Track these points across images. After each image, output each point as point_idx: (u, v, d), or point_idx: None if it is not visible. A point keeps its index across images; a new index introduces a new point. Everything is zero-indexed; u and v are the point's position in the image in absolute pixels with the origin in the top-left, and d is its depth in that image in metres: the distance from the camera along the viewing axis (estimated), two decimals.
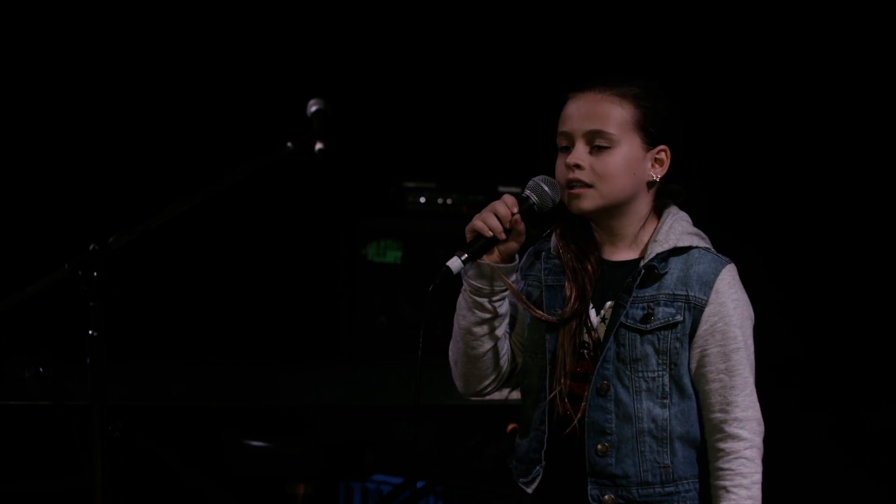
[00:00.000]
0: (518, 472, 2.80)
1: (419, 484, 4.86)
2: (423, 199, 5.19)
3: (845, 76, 4.68)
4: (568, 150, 2.72)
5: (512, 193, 2.73)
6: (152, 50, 5.31)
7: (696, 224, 2.78)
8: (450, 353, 2.82)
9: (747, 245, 4.74)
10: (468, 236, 2.69)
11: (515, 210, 2.68)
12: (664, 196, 2.78)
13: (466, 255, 2.67)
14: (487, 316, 2.74)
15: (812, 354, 4.79)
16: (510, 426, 4.23)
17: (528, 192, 2.72)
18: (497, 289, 2.72)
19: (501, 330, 2.78)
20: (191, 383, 4.11)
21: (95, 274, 2.55)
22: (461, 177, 5.21)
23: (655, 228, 2.74)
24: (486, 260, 2.70)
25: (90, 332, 2.57)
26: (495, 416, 4.28)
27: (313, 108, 2.62)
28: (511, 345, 2.83)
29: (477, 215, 2.69)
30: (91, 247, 2.57)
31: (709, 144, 4.75)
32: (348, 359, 5.30)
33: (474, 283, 2.72)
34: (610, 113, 2.70)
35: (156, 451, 4.36)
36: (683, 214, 2.77)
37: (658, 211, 2.77)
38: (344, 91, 5.02)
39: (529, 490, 2.76)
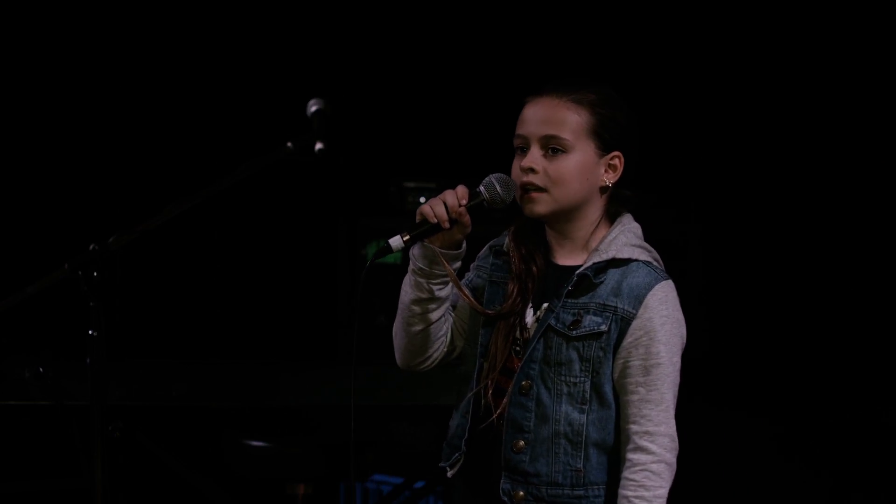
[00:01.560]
0: (444, 454, 2.87)
1: (419, 484, 4.86)
2: (423, 199, 5.18)
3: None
4: (524, 151, 2.77)
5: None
6: (152, 50, 5.31)
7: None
8: (393, 327, 2.92)
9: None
10: (417, 218, 2.76)
11: (464, 202, 2.74)
12: (617, 202, 2.81)
13: (409, 237, 2.74)
14: (425, 296, 2.82)
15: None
16: None
17: (482, 187, 2.77)
18: (436, 272, 2.79)
19: (438, 313, 2.85)
20: (191, 383, 4.11)
21: (95, 274, 2.56)
22: (461, 177, 5.20)
23: (603, 237, 2.78)
24: (434, 244, 2.77)
25: (90, 332, 2.57)
26: None
27: (313, 108, 2.62)
28: (452, 329, 2.89)
29: (429, 200, 2.75)
30: (91, 247, 2.57)
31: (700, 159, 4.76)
32: (348, 359, 5.29)
33: (417, 263, 2.81)
34: (565, 118, 2.74)
35: (156, 451, 4.36)
36: (634, 226, 2.81)
37: (611, 217, 2.81)
38: (344, 91, 5.02)
39: (449, 474, 2.84)
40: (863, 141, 4.71)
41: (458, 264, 2.82)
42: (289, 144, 2.60)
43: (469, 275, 2.89)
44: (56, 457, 4.66)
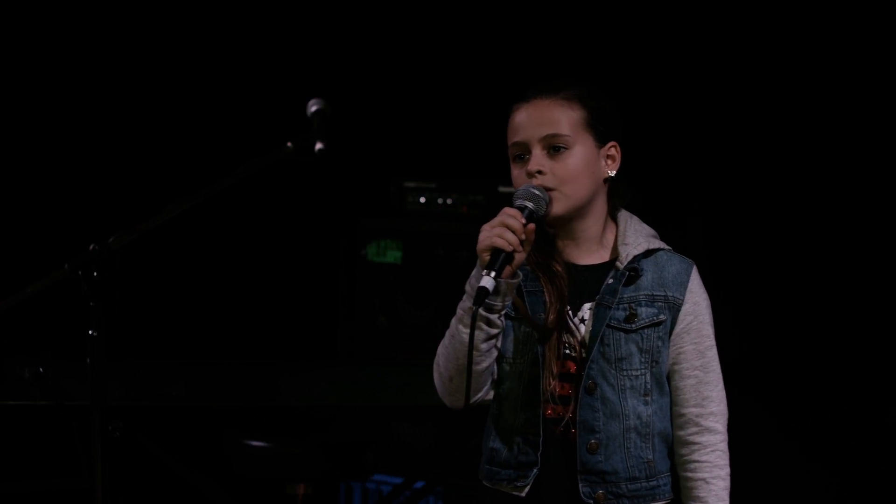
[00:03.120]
0: (502, 477, 2.81)
1: (419, 484, 4.86)
2: (423, 199, 5.19)
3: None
4: (522, 158, 2.77)
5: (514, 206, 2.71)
6: (152, 50, 5.31)
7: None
8: (441, 370, 2.80)
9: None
10: (484, 256, 2.67)
11: (524, 221, 2.69)
12: (614, 196, 2.84)
13: (494, 273, 2.65)
14: (496, 331, 2.75)
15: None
16: None
17: (521, 201, 2.72)
18: (505, 304, 2.73)
19: (499, 343, 2.79)
20: (191, 383, 4.11)
21: (95, 274, 2.56)
22: (461, 177, 5.21)
23: (618, 231, 2.82)
24: (504, 276, 2.71)
25: (90, 332, 2.57)
26: None
27: (313, 108, 2.62)
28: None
29: (485, 234, 2.67)
30: (91, 247, 2.57)
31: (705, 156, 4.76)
32: (348, 359, 5.30)
33: (489, 301, 2.71)
34: (561, 116, 2.76)
35: (156, 451, 4.36)
36: (636, 217, 2.86)
37: (612, 213, 2.84)
38: (344, 91, 5.01)
39: (523, 494, 2.78)
40: (863, 140, 4.71)
41: (515, 290, 2.76)
42: (289, 144, 2.61)
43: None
44: (56, 457, 4.66)
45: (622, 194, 2.85)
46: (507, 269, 2.69)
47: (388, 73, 5.42)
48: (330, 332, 5.50)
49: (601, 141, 2.79)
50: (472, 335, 2.66)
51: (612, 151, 2.80)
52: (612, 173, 2.80)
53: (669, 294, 2.77)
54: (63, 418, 4.05)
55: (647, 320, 2.75)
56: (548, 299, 2.77)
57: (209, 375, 4.14)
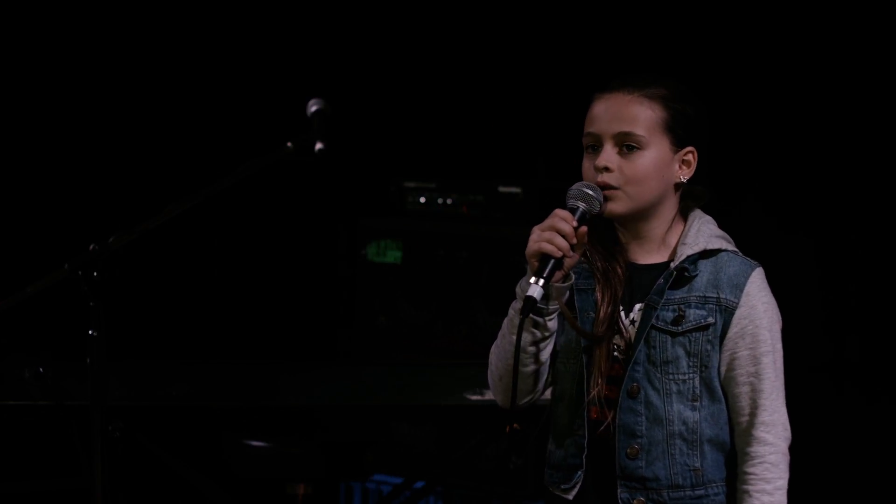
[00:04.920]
0: (555, 479, 2.78)
1: (419, 484, 4.86)
2: (423, 199, 5.18)
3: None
4: (594, 150, 2.70)
5: (565, 208, 2.67)
6: (152, 50, 5.31)
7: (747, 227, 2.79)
8: (492, 368, 2.79)
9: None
10: (532, 262, 2.63)
11: (575, 224, 2.64)
12: (688, 198, 2.77)
13: (543, 280, 2.62)
14: (547, 334, 2.72)
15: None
16: (509, 426, 4.23)
17: (573, 202, 2.67)
18: (553, 308, 2.69)
19: (551, 346, 2.75)
20: (191, 383, 4.11)
21: (95, 274, 2.56)
22: (461, 177, 5.21)
23: (683, 231, 2.74)
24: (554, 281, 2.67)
25: (90, 332, 2.57)
26: (495, 416, 4.27)
27: (313, 108, 2.62)
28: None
29: (535, 238, 2.63)
30: (91, 247, 2.57)
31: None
32: (348, 359, 5.30)
33: (539, 305, 2.67)
34: (639, 114, 2.68)
35: (156, 451, 4.36)
36: (709, 218, 2.77)
37: (684, 213, 2.76)
38: (344, 91, 5.01)
39: (570, 496, 2.74)
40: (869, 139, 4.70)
41: (567, 294, 2.73)
42: (289, 144, 2.60)
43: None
44: (56, 457, 4.66)
45: (698, 196, 2.77)
46: (558, 274, 2.65)
47: (388, 73, 5.42)
48: (330, 331, 5.50)
49: (678, 145, 2.70)
50: (517, 342, 2.63)
51: (689, 157, 2.71)
52: (685, 179, 2.71)
53: (722, 296, 2.67)
54: (63, 418, 4.04)
55: (693, 323, 2.67)
56: (599, 298, 2.73)
57: (209, 375, 4.14)
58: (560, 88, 4.94)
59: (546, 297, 2.65)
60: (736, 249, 2.73)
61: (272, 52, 5.40)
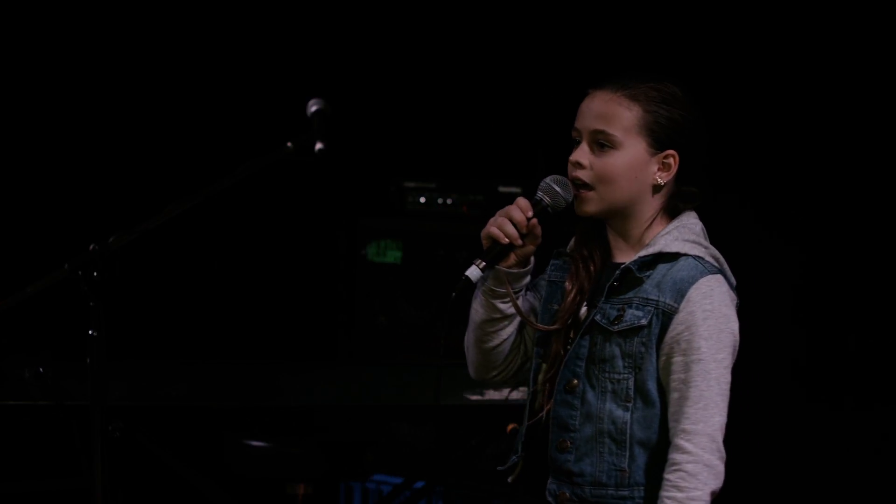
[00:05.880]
0: (509, 460, 2.83)
1: (419, 484, 4.86)
2: (423, 199, 5.19)
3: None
4: (577, 143, 2.73)
5: (524, 196, 2.73)
6: (152, 50, 5.31)
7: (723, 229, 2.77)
8: (465, 339, 2.85)
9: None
10: (484, 242, 2.70)
11: (530, 214, 2.69)
12: (679, 199, 2.75)
13: (485, 263, 2.68)
14: (497, 315, 2.77)
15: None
16: (510, 426, 4.23)
17: (540, 194, 2.73)
18: (502, 291, 2.74)
19: (511, 328, 2.80)
20: (191, 383, 4.11)
21: (95, 274, 2.56)
22: (461, 177, 5.21)
23: (658, 233, 2.73)
24: (502, 265, 2.72)
25: (90, 332, 2.57)
26: (495, 416, 4.28)
27: (313, 108, 2.62)
28: (526, 336, 2.84)
29: (491, 221, 2.70)
30: (91, 247, 2.57)
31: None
32: (348, 359, 5.30)
33: (487, 284, 2.74)
34: (616, 114, 2.68)
35: (156, 451, 4.36)
36: (693, 223, 2.74)
37: (672, 214, 2.75)
38: (344, 91, 5.01)
39: (508, 479, 2.79)
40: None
41: (527, 279, 2.78)
42: (289, 144, 2.60)
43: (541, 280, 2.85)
44: (56, 457, 4.66)
45: (690, 197, 2.75)
46: (512, 259, 2.71)
47: (388, 73, 5.42)
48: (330, 331, 5.50)
49: (657, 147, 2.69)
50: (446, 318, 2.66)
51: (669, 160, 2.70)
52: (662, 182, 2.70)
53: (662, 300, 2.65)
54: (63, 418, 4.04)
55: (628, 323, 2.65)
56: (566, 290, 2.75)
57: (209, 375, 4.14)
58: (560, 88, 4.94)
59: (499, 281, 2.72)
60: (702, 255, 2.69)
61: (272, 52, 5.40)
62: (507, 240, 2.68)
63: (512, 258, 2.72)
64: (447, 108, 5.36)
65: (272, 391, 4.18)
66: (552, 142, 2.78)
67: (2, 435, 4.77)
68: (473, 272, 2.67)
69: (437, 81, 5.38)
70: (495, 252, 2.69)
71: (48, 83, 5.20)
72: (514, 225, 2.68)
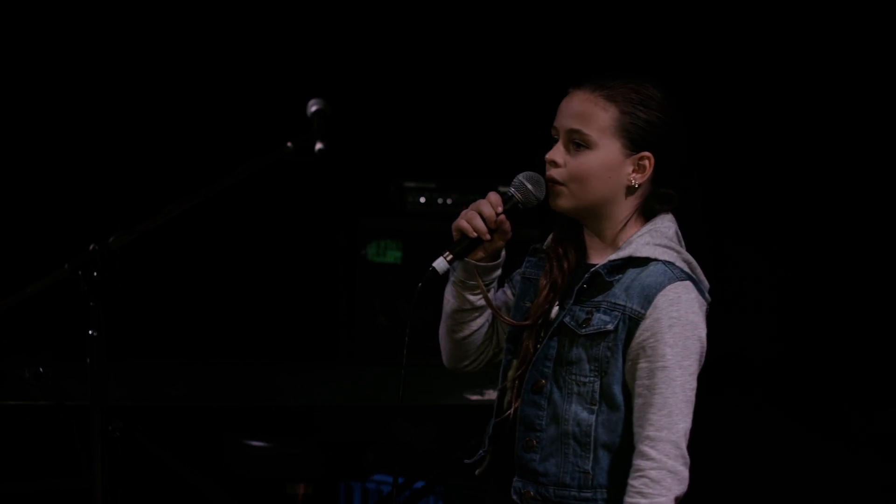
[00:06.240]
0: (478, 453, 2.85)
1: (419, 484, 4.87)
2: (423, 199, 5.19)
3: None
4: (555, 142, 2.75)
5: (497, 191, 2.76)
6: (152, 50, 5.31)
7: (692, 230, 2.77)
8: (439, 329, 2.89)
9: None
10: (454, 235, 2.74)
11: (500, 210, 2.73)
12: (655, 200, 2.74)
13: (452, 256, 2.73)
14: (467, 307, 2.80)
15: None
16: None
17: (512, 189, 2.76)
18: (472, 283, 2.77)
19: (481, 320, 2.82)
20: (191, 383, 4.11)
21: (95, 274, 2.56)
22: (461, 177, 5.21)
23: (630, 236, 2.73)
24: (472, 258, 2.75)
25: (90, 332, 2.57)
26: None
27: (313, 108, 2.62)
28: (498, 328, 2.86)
29: (462, 214, 2.74)
30: (91, 247, 2.57)
31: (709, 148, 4.75)
32: (348, 359, 5.30)
33: (459, 276, 2.78)
34: (592, 114, 2.69)
35: (156, 451, 4.36)
36: (667, 226, 2.73)
37: (649, 215, 2.74)
38: (344, 91, 5.01)
39: (476, 472, 2.82)
40: (871, 138, 4.71)
41: (498, 272, 2.80)
42: (289, 144, 2.60)
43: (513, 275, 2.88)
44: (56, 457, 4.66)
45: (665, 200, 2.74)
46: (480, 252, 2.74)
47: (388, 73, 5.42)
48: (330, 332, 5.50)
49: (632, 149, 2.69)
50: (411, 307, 2.70)
51: (644, 162, 2.69)
52: (636, 183, 2.69)
53: (629, 306, 2.64)
54: (63, 418, 4.05)
55: (595, 327, 2.66)
56: (539, 287, 2.77)
57: (209, 375, 4.14)
58: (560, 88, 4.94)
59: (469, 273, 2.76)
60: (672, 261, 2.68)
61: (272, 52, 5.40)
62: (475, 234, 2.72)
63: (481, 251, 2.75)
64: (447, 108, 5.37)
65: (272, 391, 4.19)
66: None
67: (2, 435, 4.77)
68: (440, 264, 2.72)
69: (437, 82, 5.38)
70: (464, 245, 2.73)
71: (48, 83, 5.20)
72: (484, 220, 2.71)
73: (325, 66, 5.40)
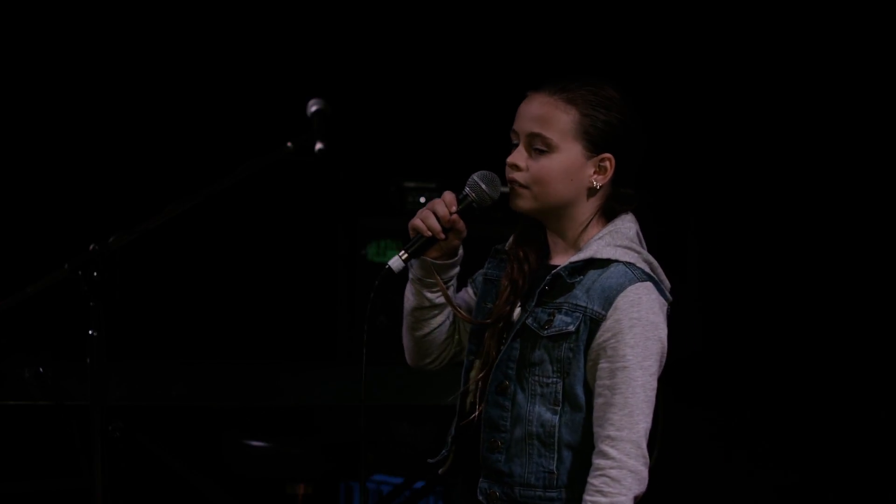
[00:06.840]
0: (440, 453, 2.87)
1: (419, 484, 4.86)
2: (423, 199, 5.18)
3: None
4: (514, 145, 2.76)
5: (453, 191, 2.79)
6: (152, 50, 5.31)
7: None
8: (402, 328, 2.93)
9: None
10: (411, 234, 2.77)
11: (454, 209, 2.76)
12: (616, 201, 2.75)
13: (407, 255, 2.77)
14: (426, 304, 2.84)
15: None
16: None
17: (467, 189, 2.79)
18: (433, 281, 2.80)
19: (441, 318, 2.86)
20: (191, 383, 4.11)
21: (95, 274, 2.56)
22: (461, 177, 5.20)
23: (592, 237, 2.73)
24: (428, 256, 2.79)
25: (90, 332, 2.57)
26: None
27: (313, 108, 2.62)
28: (460, 327, 2.88)
29: (418, 213, 2.77)
30: (91, 247, 2.57)
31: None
32: (348, 359, 5.30)
33: (418, 274, 2.82)
34: (553, 118, 2.70)
35: (156, 451, 4.36)
36: (627, 226, 2.74)
37: (610, 215, 2.75)
38: (344, 91, 5.02)
39: (439, 472, 2.83)
40: (857, 144, 4.71)
41: (456, 270, 2.82)
42: (289, 144, 2.61)
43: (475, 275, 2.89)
44: (56, 457, 4.66)
45: (626, 200, 2.75)
46: (436, 251, 2.78)
47: (388, 73, 5.42)
48: (330, 331, 5.50)
49: (593, 150, 2.70)
50: (371, 305, 2.78)
51: (605, 164, 2.70)
52: (598, 185, 2.70)
53: (590, 307, 2.66)
54: (63, 418, 4.05)
55: (556, 329, 2.67)
56: (501, 289, 2.78)
57: (209, 375, 4.14)
58: None
59: (426, 271, 2.80)
60: (633, 262, 2.69)
61: (272, 52, 5.40)
62: (429, 232, 2.75)
63: (437, 250, 2.78)
64: (447, 108, 5.37)
65: (272, 391, 4.18)
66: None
67: (2, 435, 4.77)
68: (395, 262, 2.76)
69: (438, 82, 5.38)
70: (419, 244, 2.77)
71: (48, 83, 5.20)
72: (438, 219, 2.74)
73: (325, 66, 5.40)
